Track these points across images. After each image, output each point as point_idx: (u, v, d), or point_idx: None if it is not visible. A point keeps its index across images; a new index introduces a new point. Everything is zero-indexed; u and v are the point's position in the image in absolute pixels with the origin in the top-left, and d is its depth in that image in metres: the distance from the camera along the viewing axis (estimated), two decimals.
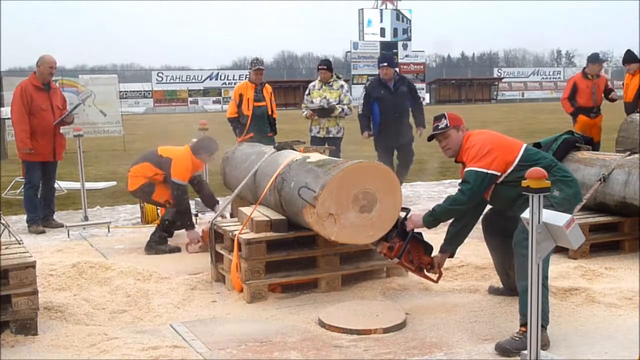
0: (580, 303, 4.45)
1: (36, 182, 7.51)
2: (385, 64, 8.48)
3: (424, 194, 9.39)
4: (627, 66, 9.75)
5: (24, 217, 8.20)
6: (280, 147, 5.67)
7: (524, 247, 3.70)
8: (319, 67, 8.94)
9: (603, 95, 9.65)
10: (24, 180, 7.79)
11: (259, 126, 8.52)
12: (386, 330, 4.06)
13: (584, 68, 9.81)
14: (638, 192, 5.55)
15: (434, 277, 4.59)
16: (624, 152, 6.20)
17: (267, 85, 8.80)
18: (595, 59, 9.74)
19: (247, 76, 8.92)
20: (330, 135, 8.72)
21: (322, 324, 4.20)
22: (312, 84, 8.98)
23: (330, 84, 8.77)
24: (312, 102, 8.76)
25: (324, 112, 8.62)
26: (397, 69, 8.71)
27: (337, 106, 8.60)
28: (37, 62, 7.47)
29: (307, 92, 8.93)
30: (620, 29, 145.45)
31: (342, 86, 8.82)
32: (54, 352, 3.87)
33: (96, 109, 10.74)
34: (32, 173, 7.47)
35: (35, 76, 7.43)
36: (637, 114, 8.21)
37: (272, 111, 8.71)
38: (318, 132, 8.74)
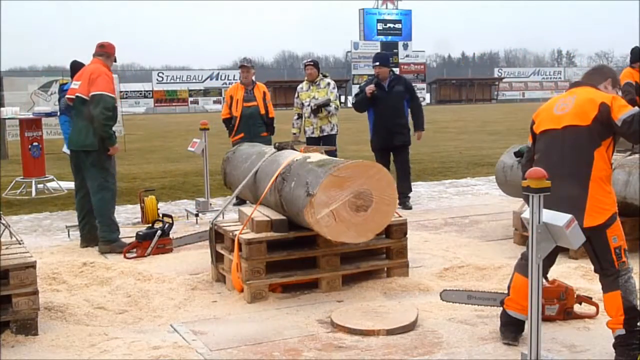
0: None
1: None
2: (378, 63, 8.37)
3: (425, 194, 9.39)
4: (636, 66, 9.64)
5: (24, 217, 8.23)
6: (280, 147, 5.68)
7: None
8: (306, 64, 9.03)
9: None
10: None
11: (249, 126, 8.57)
12: (389, 332, 4.05)
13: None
14: (638, 192, 5.56)
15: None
16: (624, 152, 6.19)
17: (258, 84, 8.83)
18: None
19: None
20: (325, 134, 8.82)
21: (333, 324, 4.21)
22: (300, 85, 9.11)
23: (317, 83, 8.88)
24: (301, 103, 8.91)
25: (318, 109, 8.69)
26: (392, 69, 8.59)
27: (330, 102, 8.72)
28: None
29: (296, 95, 9.06)
30: (620, 28, 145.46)
31: (328, 84, 8.93)
32: (54, 352, 3.87)
33: None
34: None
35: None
36: None
37: (266, 111, 8.71)
38: (312, 133, 8.82)
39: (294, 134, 9.01)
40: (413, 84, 9.07)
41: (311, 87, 8.86)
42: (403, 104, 8.31)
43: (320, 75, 8.94)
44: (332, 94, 8.83)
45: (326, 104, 8.69)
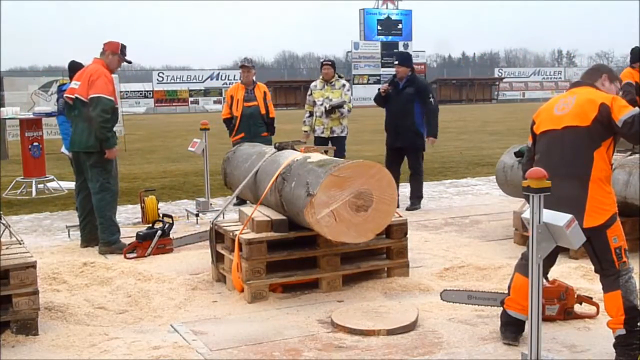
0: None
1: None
2: (397, 62, 8.39)
3: (425, 194, 9.36)
4: (636, 66, 9.61)
5: (24, 217, 8.23)
6: (281, 147, 5.68)
7: None
8: (324, 62, 9.02)
9: None
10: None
11: (249, 126, 8.58)
12: (390, 332, 4.05)
13: None
14: (639, 192, 5.55)
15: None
16: (624, 152, 6.19)
17: (259, 84, 8.83)
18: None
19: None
20: (335, 135, 8.74)
21: (333, 324, 4.21)
22: (314, 83, 9.01)
23: (332, 83, 8.80)
24: (314, 102, 8.83)
25: (332, 110, 8.64)
26: (413, 69, 8.33)
27: (344, 104, 8.67)
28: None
29: (309, 92, 8.97)
30: (620, 28, 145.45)
31: (343, 85, 8.87)
32: (54, 352, 3.87)
33: None
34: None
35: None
36: None
37: (266, 111, 8.71)
38: (322, 132, 8.76)
39: (305, 131, 8.91)
40: None
41: (325, 87, 8.79)
42: (412, 106, 8.10)
43: (336, 75, 8.88)
44: (346, 95, 8.77)
45: (340, 105, 8.66)
